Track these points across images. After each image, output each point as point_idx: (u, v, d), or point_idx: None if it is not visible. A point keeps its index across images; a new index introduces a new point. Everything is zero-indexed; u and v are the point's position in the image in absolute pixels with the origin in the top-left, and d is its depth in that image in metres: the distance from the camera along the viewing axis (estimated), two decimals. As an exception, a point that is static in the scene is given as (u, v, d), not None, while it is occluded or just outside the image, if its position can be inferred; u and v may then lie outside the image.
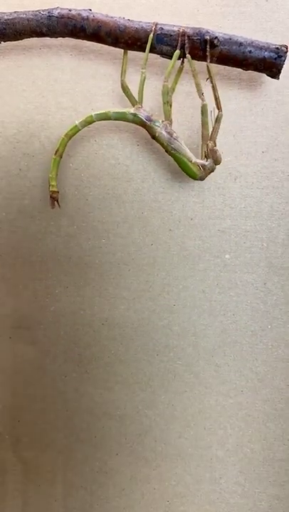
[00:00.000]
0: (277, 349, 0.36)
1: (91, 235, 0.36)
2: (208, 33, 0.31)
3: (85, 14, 0.31)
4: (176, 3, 0.34)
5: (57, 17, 0.32)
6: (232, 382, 0.36)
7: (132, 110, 0.33)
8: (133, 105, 0.33)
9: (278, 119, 0.34)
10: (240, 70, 0.33)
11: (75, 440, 0.37)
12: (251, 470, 0.37)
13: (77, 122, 0.33)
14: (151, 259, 0.36)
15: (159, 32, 0.31)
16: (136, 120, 0.33)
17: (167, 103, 0.32)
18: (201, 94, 0.31)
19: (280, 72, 0.31)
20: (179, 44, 0.31)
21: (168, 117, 0.32)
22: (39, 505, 0.38)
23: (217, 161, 0.33)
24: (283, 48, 0.31)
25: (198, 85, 0.31)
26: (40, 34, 0.32)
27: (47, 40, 0.34)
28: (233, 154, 0.35)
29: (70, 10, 0.32)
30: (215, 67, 0.34)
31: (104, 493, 0.38)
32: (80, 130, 0.33)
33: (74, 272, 0.36)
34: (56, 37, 0.33)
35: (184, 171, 0.33)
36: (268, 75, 0.32)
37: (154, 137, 0.33)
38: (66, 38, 0.33)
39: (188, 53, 0.31)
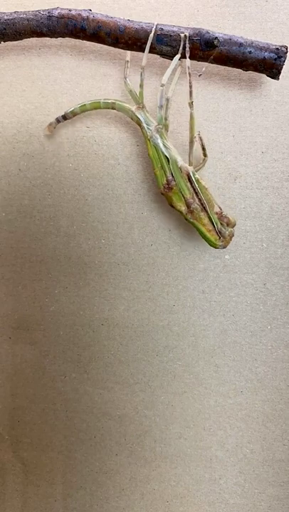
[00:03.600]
0: (277, 350, 0.36)
1: (91, 235, 0.36)
2: (208, 33, 0.30)
3: (85, 14, 0.31)
4: (176, 3, 0.34)
5: (57, 17, 0.32)
6: (231, 382, 0.36)
7: (133, 108, 0.33)
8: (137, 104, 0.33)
9: (278, 120, 0.34)
10: (240, 70, 0.33)
11: (75, 440, 0.37)
12: (251, 470, 0.37)
13: (87, 103, 0.33)
14: (151, 260, 0.36)
15: (159, 32, 0.31)
16: (134, 118, 0.33)
17: (161, 107, 0.32)
18: (190, 102, 0.31)
19: (279, 73, 0.31)
20: (180, 47, 0.31)
21: (160, 121, 0.32)
22: (39, 505, 0.38)
23: (231, 224, 0.33)
24: (283, 49, 0.31)
25: (191, 93, 0.31)
26: (40, 34, 0.32)
27: (46, 40, 0.34)
28: (233, 155, 0.35)
29: (70, 10, 0.32)
30: (215, 68, 0.34)
31: (104, 493, 0.38)
32: (87, 110, 0.34)
33: (73, 273, 0.36)
34: (56, 37, 0.33)
35: (204, 239, 0.33)
36: (267, 76, 0.32)
37: (147, 140, 0.33)
38: (66, 38, 0.33)
39: (189, 54, 0.31)
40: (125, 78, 0.32)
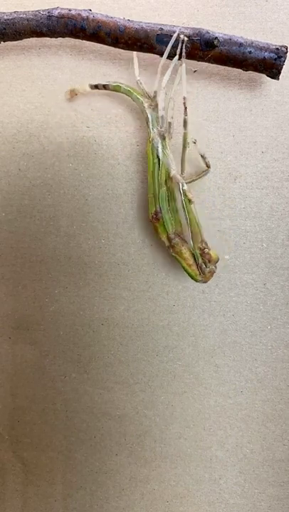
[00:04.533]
0: (277, 350, 0.36)
1: (90, 235, 0.36)
2: (208, 33, 0.30)
3: (84, 14, 0.31)
4: (176, 3, 0.34)
5: (57, 17, 0.32)
6: (231, 382, 0.36)
7: (146, 103, 0.33)
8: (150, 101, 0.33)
9: (278, 120, 0.34)
10: (240, 70, 0.33)
11: (75, 440, 0.37)
12: (251, 470, 0.37)
13: (112, 83, 0.33)
14: (151, 260, 0.36)
15: (158, 32, 0.31)
16: (144, 113, 0.33)
17: (162, 111, 0.32)
18: (185, 125, 0.32)
19: (279, 73, 0.31)
20: (178, 49, 0.31)
21: (163, 125, 0.33)
22: (39, 505, 0.38)
23: (212, 261, 0.33)
24: (283, 49, 0.31)
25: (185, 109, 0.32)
26: (40, 34, 0.32)
27: (46, 40, 0.34)
28: (233, 154, 0.35)
29: (70, 10, 0.32)
30: (215, 68, 0.34)
31: (104, 493, 0.38)
32: (110, 89, 0.34)
33: (73, 272, 0.36)
34: (56, 37, 0.33)
35: (186, 273, 0.34)
36: (267, 76, 0.32)
37: (149, 141, 0.33)
38: (66, 38, 0.33)
39: (189, 54, 0.31)
40: (137, 78, 0.32)
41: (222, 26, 0.34)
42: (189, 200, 0.33)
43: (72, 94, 0.34)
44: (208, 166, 0.33)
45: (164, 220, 0.33)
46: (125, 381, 0.37)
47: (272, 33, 0.34)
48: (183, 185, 0.33)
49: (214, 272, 0.34)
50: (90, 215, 0.36)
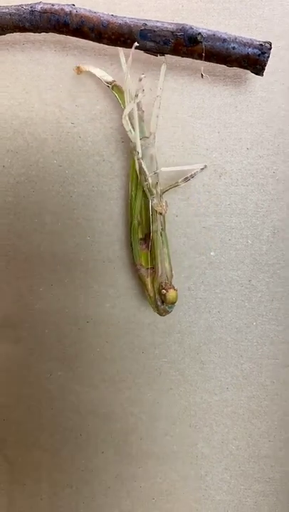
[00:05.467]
0: (263, 346, 0.36)
1: (76, 233, 0.36)
2: (192, 28, 0.30)
3: (68, 9, 0.31)
4: (160, -2, 0.34)
5: (39, 12, 0.31)
6: (217, 379, 0.36)
7: (130, 100, 0.32)
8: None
9: (263, 116, 0.34)
10: (225, 66, 0.32)
11: (61, 439, 0.37)
12: (237, 467, 0.37)
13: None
14: (137, 257, 0.36)
15: (142, 28, 0.31)
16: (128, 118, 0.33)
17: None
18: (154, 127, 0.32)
19: (264, 69, 0.31)
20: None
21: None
22: (25, 504, 0.38)
23: (166, 302, 0.33)
24: (267, 45, 0.31)
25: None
26: (23, 29, 0.32)
27: (30, 35, 0.34)
28: (218, 151, 0.34)
29: (52, 5, 0.31)
30: (200, 64, 0.34)
31: (90, 491, 0.37)
32: None
33: (59, 270, 0.36)
34: (39, 32, 0.32)
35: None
36: (252, 72, 0.32)
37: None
38: (50, 34, 0.33)
39: (173, 50, 0.31)
40: (126, 74, 0.32)
41: (207, 22, 0.34)
42: (160, 213, 0.33)
43: (80, 70, 0.34)
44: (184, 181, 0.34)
45: (134, 248, 0.34)
46: (111, 379, 0.37)
47: (257, 29, 0.34)
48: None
49: (168, 312, 0.33)
50: (75, 212, 0.36)
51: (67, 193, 0.35)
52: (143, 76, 0.31)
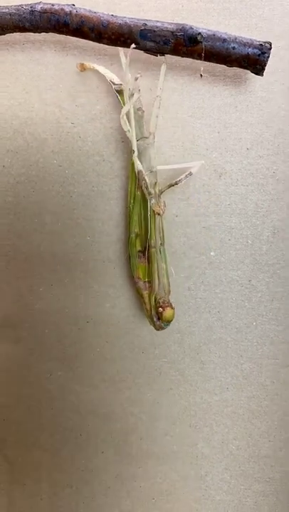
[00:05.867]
0: (263, 346, 0.36)
1: (76, 233, 0.36)
2: (192, 28, 0.30)
3: (68, 9, 0.31)
4: (160, -2, 0.34)
5: (39, 12, 0.31)
6: (217, 379, 0.36)
7: (128, 97, 0.32)
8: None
9: (263, 116, 0.34)
10: (224, 66, 0.32)
11: (61, 439, 0.37)
12: (237, 467, 0.37)
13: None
14: (137, 257, 0.36)
15: (142, 28, 0.31)
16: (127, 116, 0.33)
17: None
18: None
19: (264, 69, 0.31)
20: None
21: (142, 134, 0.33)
22: (25, 504, 0.38)
23: (162, 319, 0.33)
24: (267, 45, 0.31)
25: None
26: (23, 29, 0.32)
27: (30, 35, 0.34)
28: (218, 151, 0.34)
29: (52, 5, 0.31)
30: (200, 64, 0.34)
31: (90, 491, 0.37)
32: None
33: (59, 270, 0.36)
34: (39, 32, 0.32)
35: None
36: (252, 72, 0.32)
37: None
38: (50, 34, 0.33)
39: (173, 50, 0.31)
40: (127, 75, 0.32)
41: (207, 22, 0.34)
42: (158, 214, 0.33)
43: (84, 67, 0.34)
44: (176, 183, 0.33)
45: (131, 263, 0.34)
46: (111, 379, 0.37)
47: (257, 29, 0.34)
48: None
49: (163, 328, 0.34)
50: (75, 212, 0.36)
51: (67, 193, 0.35)
52: (139, 75, 0.31)
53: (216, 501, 0.37)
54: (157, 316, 0.33)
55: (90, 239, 0.36)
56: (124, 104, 0.33)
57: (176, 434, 0.37)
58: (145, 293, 0.34)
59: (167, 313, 0.32)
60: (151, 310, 0.33)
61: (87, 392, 0.37)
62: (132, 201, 0.34)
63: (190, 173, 0.33)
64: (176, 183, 0.33)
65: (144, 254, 0.34)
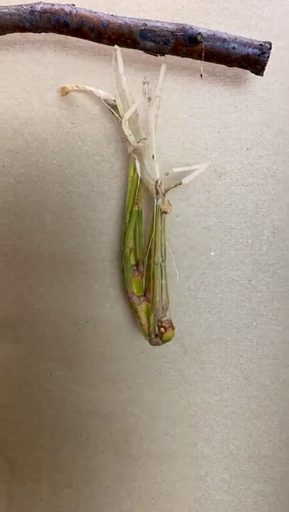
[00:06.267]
0: (262, 346, 0.36)
1: (76, 233, 0.36)
2: (192, 28, 0.30)
3: (68, 9, 0.31)
4: (160, -2, 0.34)
5: (40, 12, 0.31)
6: (217, 379, 0.36)
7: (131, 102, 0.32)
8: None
9: (263, 116, 0.34)
10: (224, 66, 0.32)
11: (61, 439, 0.37)
12: (237, 467, 0.37)
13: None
14: (137, 257, 0.36)
15: (142, 28, 0.31)
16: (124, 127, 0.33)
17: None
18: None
19: (264, 69, 0.31)
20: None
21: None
22: (25, 504, 0.38)
23: (162, 338, 0.33)
24: (267, 45, 0.31)
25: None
26: (23, 29, 0.32)
27: (30, 35, 0.34)
28: (218, 151, 0.34)
29: (52, 5, 0.31)
30: (200, 64, 0.34)
31: (90, 491, 0.37)
32: None
33: (59, 270, 0.36)
34: (39, 32, 0.32)
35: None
36: (252, 72, 0.32)
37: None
38: (50, 34, 0.33)
39: (173, 50, 0.31)
40: (121, 74, 0.32)
41: (207, 22, 0.33)
42: (164, 212, 0.32)
43: (64, 92, 0.34)
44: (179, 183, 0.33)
45: (125, 278, 0.34)
46: (111, 379, 0.37)
47: (257, 29, 0.34)
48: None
49: (159, 345, 0.34)
50: (75, 212, 0.36)
51: (67, 193, 0.35)
52: (147, 80, 0.31)
53: (216, 501, 0.37)
54: (156, 333, 0.33)
55: (90, 239, 0.36)
56: (120, 117, 0.32)
57: (176, 434, 0.37)
58: (139, 308, 0.34)
59: (169, 334, 0.33)
60: (148, 326, 0.34)
61: (87, 392, 0.37)
62: (128, 216, 0.34)
63: (196, 174, 0.33)
64: (180, 183, 0.33)
65: (137, 268, 0.34)
